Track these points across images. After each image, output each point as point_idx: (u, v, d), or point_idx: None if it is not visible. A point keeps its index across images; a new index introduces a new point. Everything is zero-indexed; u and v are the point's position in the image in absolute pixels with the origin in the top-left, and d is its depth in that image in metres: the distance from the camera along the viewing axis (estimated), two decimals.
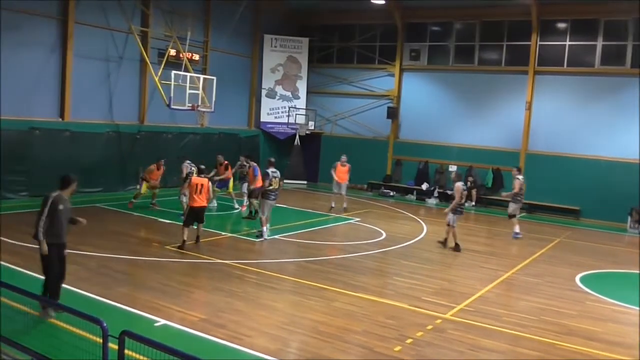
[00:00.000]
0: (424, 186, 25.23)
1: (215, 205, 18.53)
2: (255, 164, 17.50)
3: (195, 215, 13.22)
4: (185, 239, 12.76)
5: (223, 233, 14.95)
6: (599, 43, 22.03)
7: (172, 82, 19.52)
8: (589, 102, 22.32)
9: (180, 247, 12.66)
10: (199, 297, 9.70)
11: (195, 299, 9.57)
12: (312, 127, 27.66)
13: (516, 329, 9.02)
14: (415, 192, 25.35)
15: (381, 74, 26.86)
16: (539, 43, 23.11)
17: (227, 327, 8.22)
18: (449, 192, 24.50)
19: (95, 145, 19.86)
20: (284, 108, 27.80)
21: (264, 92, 27.74)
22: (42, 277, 8.34)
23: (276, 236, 14.67)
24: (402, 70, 26.28)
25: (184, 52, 21.57)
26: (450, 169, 24.97)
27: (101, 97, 20.48)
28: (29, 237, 12.45)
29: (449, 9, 24.70)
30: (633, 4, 20.56)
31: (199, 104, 20.68)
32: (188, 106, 20.16)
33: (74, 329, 7.58)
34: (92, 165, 19.41)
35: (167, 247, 12.98)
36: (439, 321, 9.16)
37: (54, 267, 8.11)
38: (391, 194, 25.54)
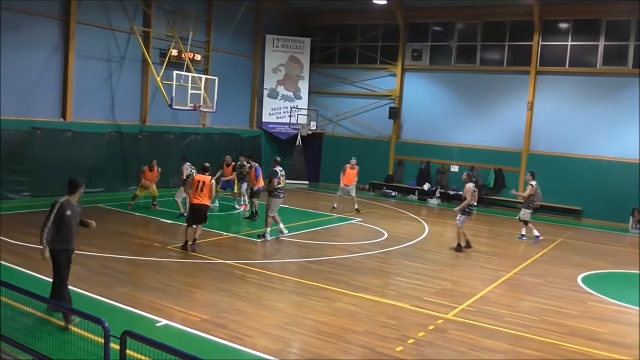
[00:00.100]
0: (426, 186, 25.22)
1: (217, 205, 18.54)
2: (256, 164, 17.52)
3: (195, 214, 12.91)
4: (187, 239, 12.75)
5: (224, 233, 14.95)
6: (601, 43, 22.01)
7: (174, 82, 19.52)
8: (591, 102, 22.30)
9: (182, 247, 12.67)
10: (200, 297, 9.70)
11: (196, 299, 9.57)
12: (314, 128, 27.68)
13: (518, 329, 9.01)
14: (417, 192, 25.35)
15: (383, 74, 26.86)
16: (540, 43, 23.09)
17: (229, 327, 8.22)
18: (451, 192, 24.58)
19: (97, 146, 19.88)
20: (286, 108, 27.81)
21: (265, 92, 27.76)
22: (46, 279, 8.33)
23: (278, 236, 14.66)
24: (404, 70, 26.27)
25: (186, 52, 21.57)
26: (452, 169, 25.02)
27: (103, 97, 20.51)
28: (31, 237, 12.57)
29: (450, 9, 24.70)
30: (635, 4, 20.56)
31: (201, 104, 20.68)
32: (190, 106, 20.17)
33: (75, 329, 7.62)
34: (93, 165, 19.42)
35: (169, 247, 13.00)
36: (440, 321, 9.15)
37: (62, 272, 7.98)
38: (393, 194, 25.54)
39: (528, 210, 16.80)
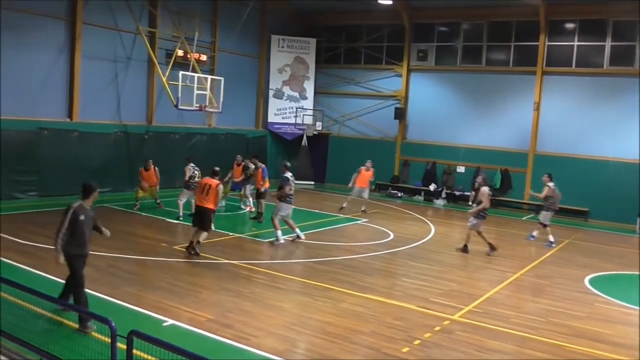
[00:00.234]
0: (432, 187, 25.19)
1: (224, 205, 18.58)
2: (263, 165, 17.52)
3: (198, 216, 12.71)
4: (192, 239, 12.70)
5: (230, 233, 14.96)
6: (608, 43, 21.93)
7: (180, 83, 19.57)
8: (598, 102, 22.22)
9: (187, 248, 12.62)
10: (206, 298, 9.71)
11: (202, 299, 9.58)
12: (320, 128, 27.68)
13: (524, 331, 8.98)
14: (422, 193, 25.31)
15: (388, 75, 26.84)
16: (547, 43, 23.03)
17: (235, 328, 8.23)
18: (457, 193, 24.53)
19: (103, 146, 19.95)
20: (292, 108, 27.83)
21: (271, 93, 27.78)
22: (54, 279, 8.33)
23: (284, 237, 14.62)
24: (409, 71, 26.25)
25: (192, 52, 21.62)
26: (458, 170, 24.98)
27: (109, 97, 20.57)
28: (38, 236, 12.65)
29: (456, 9, 24.67)
30: None
31: (207, 104, 20.72)
32: (195, 107, 20.20)
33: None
34: (100, 165, 19.50)
35: (175, 247, 13.02)
36: (447, 322, 9.14)
37: (78, 277, 7.92)
38: (399, 194, 25.51)
39: (548, 213, 16.57)
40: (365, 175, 19.78)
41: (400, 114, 25.99)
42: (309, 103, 28.20)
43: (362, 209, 19.74)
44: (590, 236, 18.95)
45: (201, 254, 12.34)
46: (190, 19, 22.16)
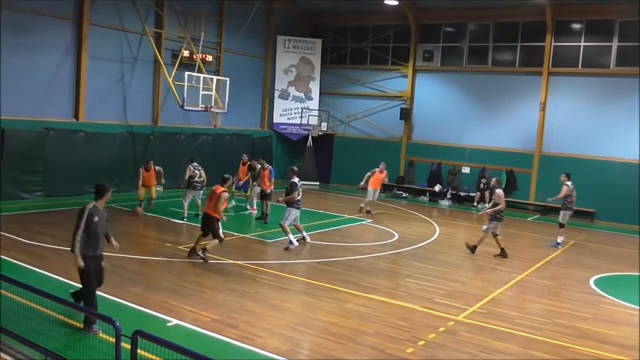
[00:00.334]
0: (437, 187, 25.14)
1: (233, 204, 18.63)
2: (270, 166, 17.52)
3: (202, 221, 12.47)
4: (195, 244, 12.35)
5: (235, 234, 14.98)
6: (614, 44, 21.83)
7: (186, 83, 19.62)
8: (604, 103, 22.12)
9: (189, 252, 12.48)
10: (211, 298, 9.72)
11: (207, 299, 9.59)
12: (325, 128, 27.70)
13: (529, 332, 8.95)
14: (428, 194, 25.28)
15: (394, 75, 26.81)
16: (553, 44, 22.95)
17: (239, 328, 8.24)
18: (462, 194, 24.48)
19: (109, 146, 20.02)
20: (297, 109, 27.84)
21: (277, 93, 27.80)
22: (59, 278, 8.35)
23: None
24: (415, 72, 26.22)
25: (198, 53, 21.66)
26: (463, 171, 24.93)
27: (115, 98, 20.65)
28: (44, 236, 12.71)
29: (462, 9, 24.62)
30: None
31: (212, 105, 20.76)
32: (201, 107, 20.24)
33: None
34: (106, 165, 19.57)
35: (180, 247, 13.05)
36: (451, 323, 9.12)
37: (89, 278, 7.76)
38: (404, 195, 25.48)
39: (567, 212, 16.39)
40: (379, 177, 19.89)
41: (405, 115, 25.96)
42: (314, 103, 28.20)
43: (367, 209, 19.79)
44: (596, 237, 18.87)
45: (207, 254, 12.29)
46: (196, 19, 22.21)
